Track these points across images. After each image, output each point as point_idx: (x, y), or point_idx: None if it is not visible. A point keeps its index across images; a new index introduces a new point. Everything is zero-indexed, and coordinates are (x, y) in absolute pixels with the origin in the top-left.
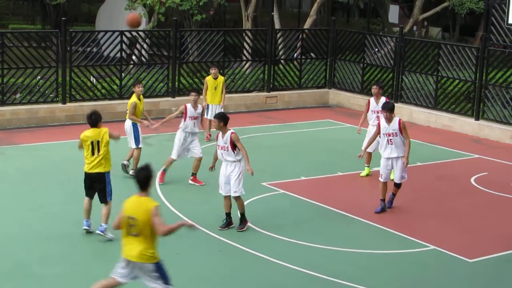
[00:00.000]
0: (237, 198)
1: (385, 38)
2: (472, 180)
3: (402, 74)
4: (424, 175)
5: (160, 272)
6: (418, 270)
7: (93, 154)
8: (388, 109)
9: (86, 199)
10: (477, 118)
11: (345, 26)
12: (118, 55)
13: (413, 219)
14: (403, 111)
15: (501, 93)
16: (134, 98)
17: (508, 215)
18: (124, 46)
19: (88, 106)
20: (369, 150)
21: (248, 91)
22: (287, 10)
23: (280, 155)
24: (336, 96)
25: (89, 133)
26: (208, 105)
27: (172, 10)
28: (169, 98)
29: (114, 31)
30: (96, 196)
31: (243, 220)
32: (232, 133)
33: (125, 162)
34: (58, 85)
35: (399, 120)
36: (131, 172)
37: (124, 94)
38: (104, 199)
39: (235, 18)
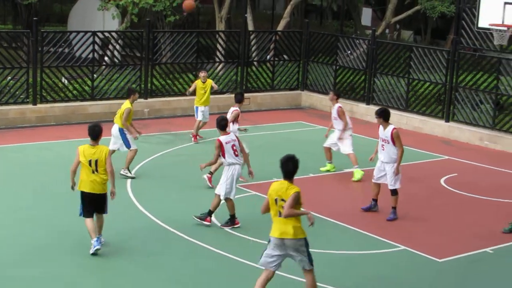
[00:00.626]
0: (226, 200)
1: (357, 41)
2: (442, 181)
3: (374, 76)
4: None
5: (307, 247)
6: (389, 270)
7: (92, 172)
8: (375, 113)
9: (88, 219)
10: (447, 120)
11: (318, 28)
12: (90, 56)
13: (385, 220)
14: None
15: (470, 95)
16: (128, 104)
17: (477, 216)
18: (96, 47)
19: (59, 107)
20: (330, 146)
21: (221, 92)
22: (261, 12)
23: (252, 157)
24: (308, 98)
25: (88, 150)
26: (197, 107)
27: (145, 11)
28: (142, 100)
29: (86, 32)
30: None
31: (231, 220)
32: (217, 139)
33: (123, 171)
34: (29, 86)
35: (392, 129)
36: (121, 172)
37: (96, 95)
38: (103, 211)
39: (208, 20)
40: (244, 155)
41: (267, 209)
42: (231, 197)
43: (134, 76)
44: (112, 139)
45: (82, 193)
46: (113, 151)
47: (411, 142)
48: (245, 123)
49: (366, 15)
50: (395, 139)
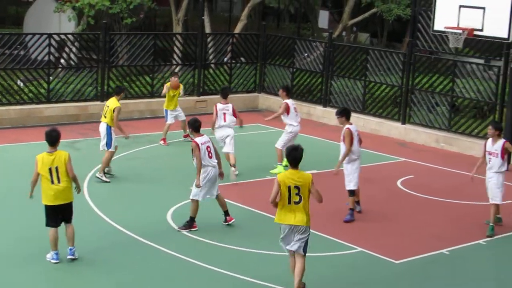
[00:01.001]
0: (192, 201)
1: (314, 43)
2: (398, 183)
3: (331, 79)
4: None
5: (309, 235)
6: (346, 271)
7: (52, 182)
8: (337, 113)
9: (52, 230)
10: (403, 122)
11: (275, 31)
12: (46, 58)
13: (341, 222)
14: (331, 115)
15: (426, 97)
16: (118, 103)
17: (433, 217)
18: (52, 49)
19: (14, 110)
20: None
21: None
22: (218, 14)
23: None
24: (266, 100)
25: (47, 158)
26: (167, 111)
27: (101, 13)
28: (98, 102)
29: (42, 34)
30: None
31: (189, 223)
32: (192, 141)
33: (99, 175)
34: None
35: (345, 128)
36: (97, 174)
37: (52, 98)
38: (71, 220)
39: (165, 22)
40: (218, 157)
41: (276, 197)
42: (197, 199)
43: (90, 79)
44: (102, 139)
45: (45, 206)
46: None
47: (368, 144)
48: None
49: (323, 18)
50: (345, 137)
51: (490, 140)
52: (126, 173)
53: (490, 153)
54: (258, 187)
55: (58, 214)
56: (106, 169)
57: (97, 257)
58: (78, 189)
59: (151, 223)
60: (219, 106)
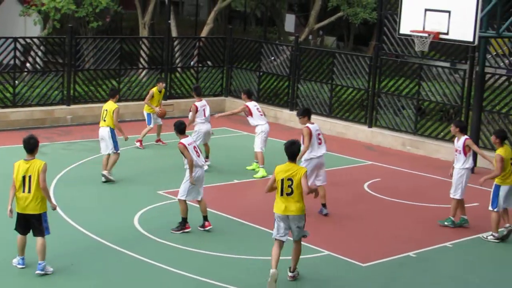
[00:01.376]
0: (179, 201)
1: (281, 47)
2: (365, 186)
3: (298, 82)
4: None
5: (304, 222)
6: (312, 275)
7: (23, 191)
8: (298, 114)
9: (19, 236)
10: (370, 126)
11: (241, 34)
12: (12, 62)
13: (308, 225)
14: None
15: (393, 101)
16: (115, 105)
17: (400, 220)
18: (18, 53)
19: None
20: (261, 150)
21: (145, 99)
22: (184, 18)
23: (176, 163)
24: (232, 104)
25: (23, 165)
26: (149, 114)
27: (67, 16)
28: (64, 106)
29: (7, 38)
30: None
31: (182, 224)
32: (179, 143)
33: (104, 172)
34: None
35: (304, 127)
36: (104, 176)
37: (17, 102)
38: (41, 233)
39: (131, 26)
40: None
41: (271, 189)
42: (185, 199)
43: (56, 83)
44: (103, 144)
45: (17, 212)
46: (108, 155)
47: (335, 148)
48: (170, 130)
49: (290, 21)
50: (304, 135)
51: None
52: (93, 177)
53: (455, 150)
54: (223, 190)
55: (23, 224)
56: (106, 172)
57: (64, 262)
58: (52, 205)
59: (119, 227)
60: (198, 103)
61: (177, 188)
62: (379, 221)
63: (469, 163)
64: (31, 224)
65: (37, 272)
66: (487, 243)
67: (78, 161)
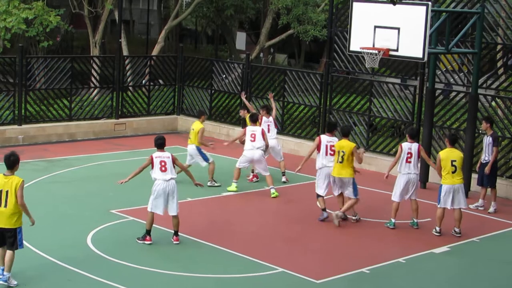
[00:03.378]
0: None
1: (232, 65)
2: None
3: (249, 100)
4: (272, 199)
5: (355, 184)
6: None
7: (0, 205)
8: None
9: None
10: None
11: (193, 52)
12: None
13: (262, 242)
14: None
15: (344, 117)
16: (201, 125)
17: (353, 236)
18: None
19: None
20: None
21: (97, 118)
22: (135, 36)
23: (129, 182)
24: (185, 122)
25: (1, 180)
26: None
27: (18, 36)
28: (16, 126)
29: None
30: None
31: (144, 235)
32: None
33: (209, 184)
34: None
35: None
36: (208, 184)
37: None
38: (13, 247)
39: (82, 45)
40: (182, 167)
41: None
42: (149, 210)
43: (7, 103)
44: (189, 157)
45: None
46: (189, 165)
47: (287, 165)
48: (122, 148)
49: (241, 39)
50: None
51: None
52: (44, 197)
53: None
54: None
55: (1, 237)
56: (210, 182)
57: (17, 282)
58: (31, 219)
59: (71, 247)
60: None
61: (130, 207)
62: (333, 237)
63: (402, 168)
64: (5, 238)
65: (0, 282)
66: (439, 258)
67: (30, 181)
